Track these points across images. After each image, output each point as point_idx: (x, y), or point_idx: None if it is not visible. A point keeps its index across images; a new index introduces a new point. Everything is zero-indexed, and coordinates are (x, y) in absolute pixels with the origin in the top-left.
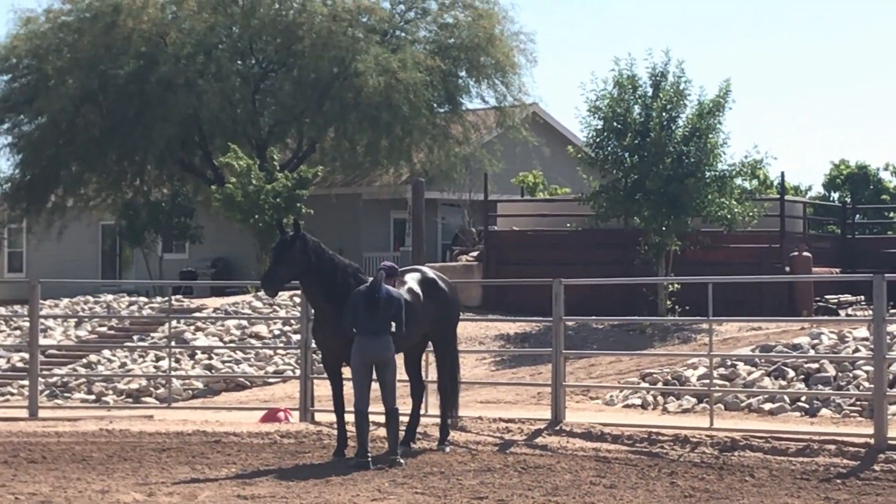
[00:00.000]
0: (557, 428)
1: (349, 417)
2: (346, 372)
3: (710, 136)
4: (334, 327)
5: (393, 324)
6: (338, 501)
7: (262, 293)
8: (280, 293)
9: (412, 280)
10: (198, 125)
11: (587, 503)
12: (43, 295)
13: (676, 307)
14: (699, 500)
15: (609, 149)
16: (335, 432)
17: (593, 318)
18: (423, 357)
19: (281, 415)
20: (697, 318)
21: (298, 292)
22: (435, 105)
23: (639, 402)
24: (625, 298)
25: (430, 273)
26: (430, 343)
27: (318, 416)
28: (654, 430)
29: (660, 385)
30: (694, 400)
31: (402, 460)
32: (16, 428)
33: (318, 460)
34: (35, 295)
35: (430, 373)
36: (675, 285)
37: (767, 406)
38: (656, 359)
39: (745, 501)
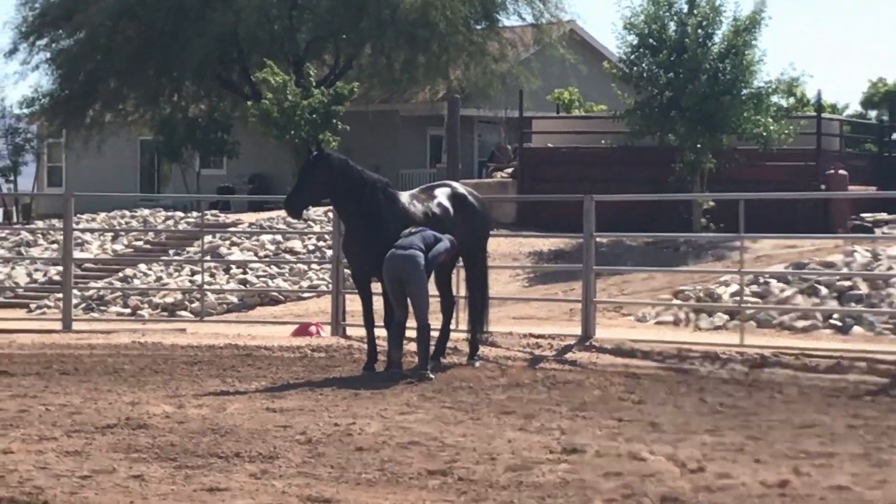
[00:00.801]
0: (587, 344)
1: (379, 332)
2: (377, 287)
3: (746, 53)
4: (364, 242)
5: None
6: (366, 414)
7: None
8: (314, 209)
9: (442, 195)
10: (235, 41)
11: (615, 418)
12: (81, 209)
13: (711, 225)
14: (727, 416)
15: (644, 65)
16: (365, 346)
17: (625, 234)
18: (454, 272)
19: (312, 329)
20: (730, 234)
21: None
22: (472, 22)
23: (671, 319)
24: (659, 216)
25: (461, 188)
26: (460, 258)
27: (350, 331)
28: (685, 346)
29: (692, 302)
30: (726, 317)
31: (431, 375)
32: (49, 340)
33: (348, 374)
34: (69, 208)
35: (462, 288)
36: (710, 203)
37: (800, 324)
38: (689, 276)
39: (774, 417)
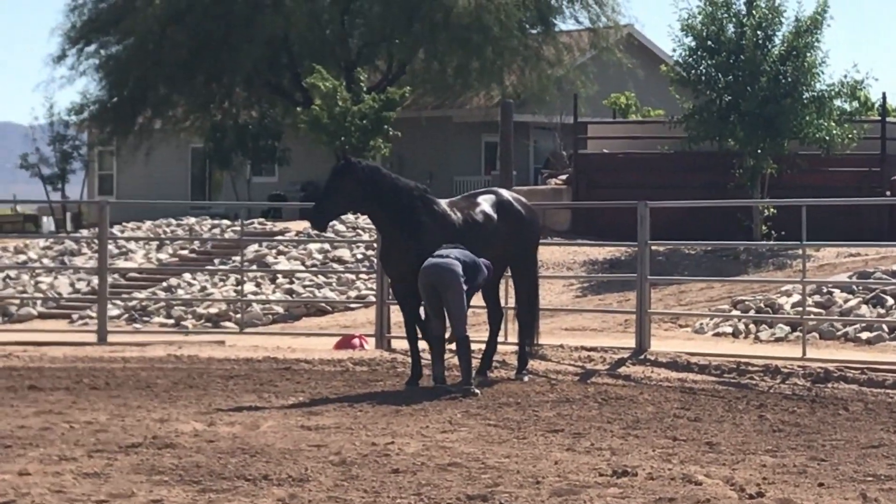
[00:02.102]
0: (642, 357)
1: (424, 345)
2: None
3: (808, 54)
4: (402, 251)
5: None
6: (405, 433)
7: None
8: (363, 217)
9: (485, 202)
10: (286, 46)
11: (669, 437)
12: (131, 217)
13: (772, 232)
14: (788, 435)
15: (702, 68)
16: (409, 360)
17: (681, 242)
18: (502, 282)
19: (356, 341)
20: (791, 242)
21: None
22: (527, 26)
23: (730, 330)
24: (718, 223)
25: (506, 194)
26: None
27: (395, 344)
28: (744, 360)
29: (751, 313)
30: (787, 328)
31: (475, 389)
32: (82, 353)
33: (390, 389)
34: (104, 217)
35: (511, 299)
36: (772, 210)
37: (864, 335)
38: (749, 285)
39: (838, 436)
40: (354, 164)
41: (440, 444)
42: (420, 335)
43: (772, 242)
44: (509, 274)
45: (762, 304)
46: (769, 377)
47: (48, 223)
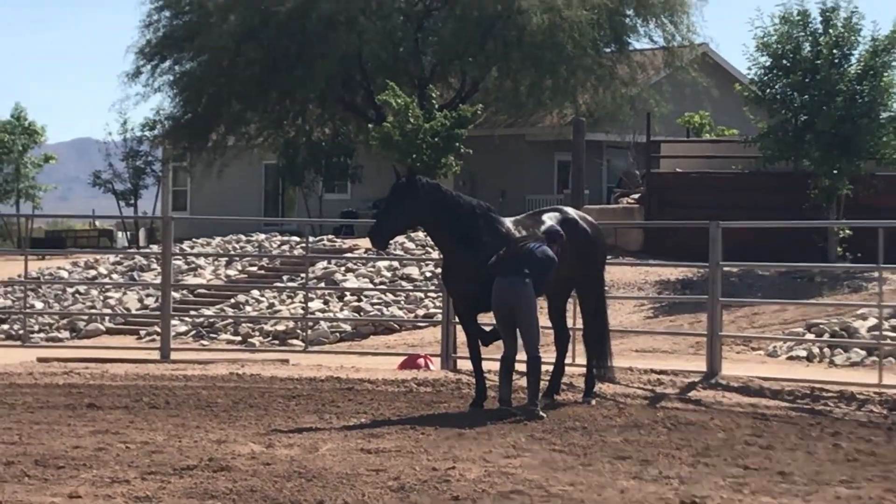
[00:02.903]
0: (713, 381)
1: (490, 365)
2: (487, 317)
3: (885, 74)
4: (465, 271)
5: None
6: (467, 457)
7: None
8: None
9: (551, 220)
10: (359, 64)
11: (740, 465)
12: (204, 233)
13: (847, 254)
14: (864, 465)
15: (777, 87)
16: (474, 381)
17: (753, 264)
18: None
19: (421, 361)
20: (867, 265)
21: None
22: (601, 44)
23: (804, 354)
24: (793, 244)
25: (572, 213)
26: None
27: (461, 364)
28: (818, 385)
29: (826, 337)
30: (863, 353)
31: (542, 412)
32: (144, 371)
33: (454, 411)
34: (168, 233)
35: (579, 320)
36: (847, 231)
37: None
38: (823, 308)
39: None
40: (414, 181)
41: (503, 469)
42: (480, 345)
43: (847, 265)
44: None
45: (837, 328)
46: (844, 403)
47: (122, 238)
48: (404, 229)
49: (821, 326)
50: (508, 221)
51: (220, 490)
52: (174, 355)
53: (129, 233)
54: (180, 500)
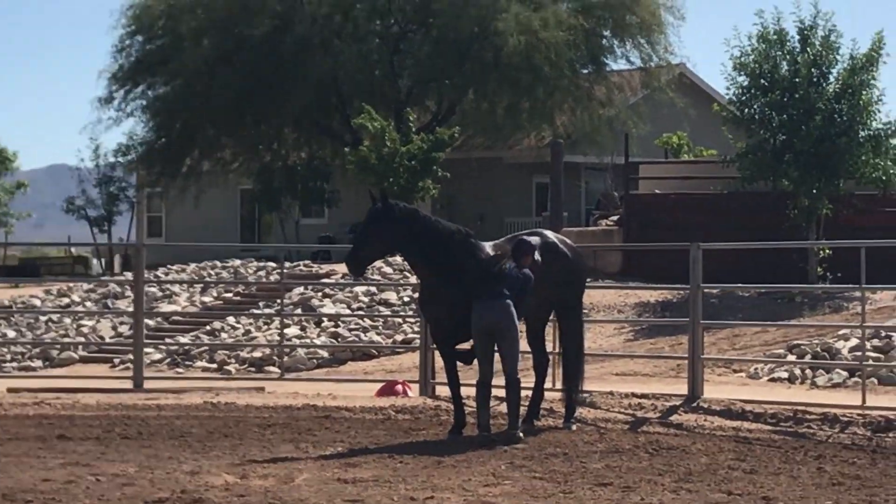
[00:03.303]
0: (694, 405)
1: (468, 391)
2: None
3: (864, 92)
4: (443, 297)
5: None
6: (446, 486)
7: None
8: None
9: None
10: (335, 87)
11: (723, 491)
12: (180, 260)
13: (828, 274)
14: (849, 489)
15: (755, 107)
16: (453, 408)
17: (735, 285)
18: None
19: (399, 388)
20: (849, 286)
21: None
22: (578, 66)
23: (785, 375)
24: (773, 265)
25: (551, 236)
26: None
27: (440, 390)
28: (801, 407)
29: (808, 358)
30: (845, 374)
31: (521, 436)
32: (116, 400)
33: (432, 438)
34: (140, 260)
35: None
36: (827, 251)
37: None
38: (805, 329)
39: None
40: (390, 206)
41: (482, 498)
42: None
43: (828, 285)
44: (554, 318)
45: (819, 349)
46: (827, 426)
47: (98, 266)
48: (381, 255)
49: (802, 347)
50: (487, 246)
51: None
52: (148, 384)
53: (104, 260)
54: None
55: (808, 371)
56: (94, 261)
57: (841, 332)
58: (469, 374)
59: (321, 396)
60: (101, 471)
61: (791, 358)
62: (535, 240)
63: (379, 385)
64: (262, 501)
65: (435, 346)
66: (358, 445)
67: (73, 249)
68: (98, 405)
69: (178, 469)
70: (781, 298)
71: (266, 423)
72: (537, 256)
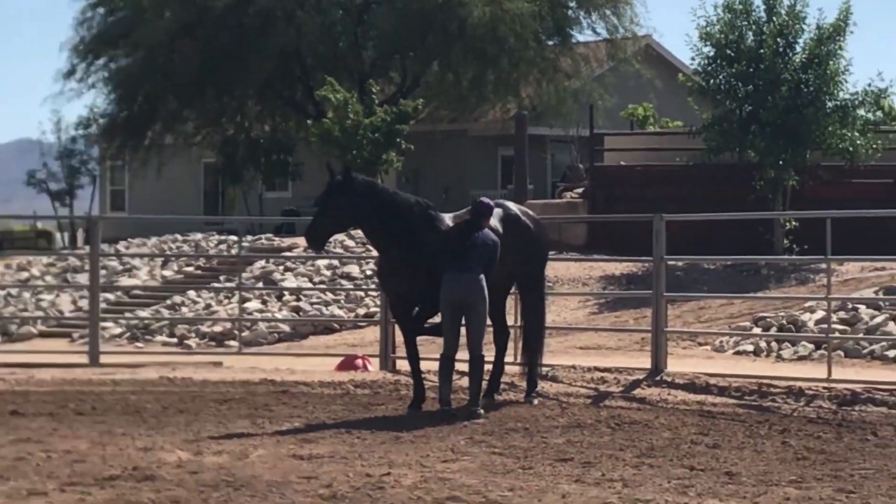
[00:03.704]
0: (658, 378)
1: (430, 365)
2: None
3: (830, 63)
4: (402, 270)
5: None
6: (404, 462)
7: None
8: None
9: (493, 216)
10: (298, 59)
11: (686, 466)
12: (144, 233)
13: (794, 246)
14: (814, 463)
15: (721, 78)
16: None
17: (700, 257)
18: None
19: (359, 362)
20: (814, 257)
21: None
22: (543, 37)
23: (751, 348)
24: (739, 237)
25: (513, 208)
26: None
27: (400, 364)
28: (766, 381)
29: (773, 330)
30: (811, 346)
31: (482, 411)
32: (71, 376)
33: (392, 414)
34: (96, 234)
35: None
36: (793, 223)
37: (892, 353)
38: (771, 302)
39: (867, 465)
40: (351, 178)
41: (440, 475)
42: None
43: (794, 257)
44: (515, 291)
45: (784, 321)
46: (792, 399)
47: (60, 240)
48: (341, 229)
49: (768, 320)
50: (447, 218)
51: (142, 501)
52: (105, 359)
53: (66, 234)
54: None
55: (773, 344)
56: (58, 235)
57: (807, 305)
58: (430, 349)
59: (279, 371)
60: (52, 447)
61: (756, 331)
62: (497, 212)
63: (338, 360)
64: (214, 479)
65: (394, 320)
66: (315, 421)
67: (39, 224)
68: (53, 380)
69: (131, 445)
70: (748, 271)
71: (222, 399)
72: (498, 227)
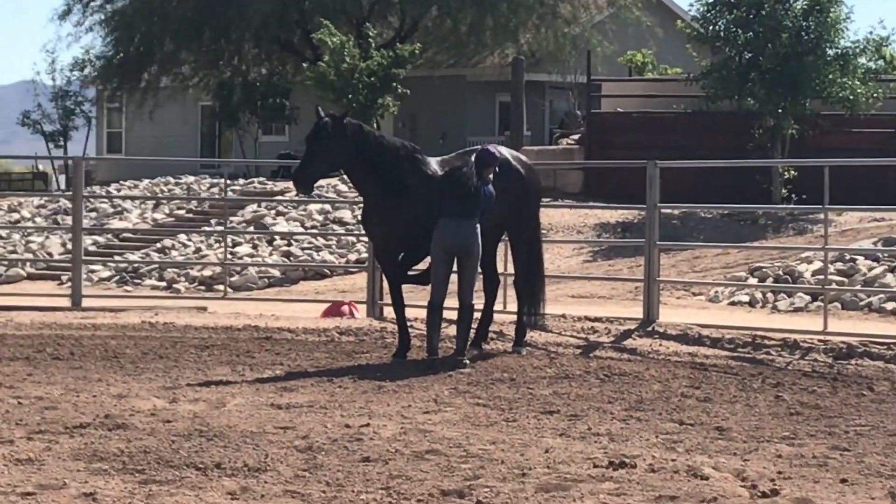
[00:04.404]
0: (650, 329)
1: (417, 313)
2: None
3: (831, 9)
4: (386, 215)
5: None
6: (384, 413)
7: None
8: None
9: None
10: (296, 2)
11: (675, 420)
12: (138, 175)
13: (793, 196)
14: (807, 419)
15: (720, 24)
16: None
17: (694, 206)
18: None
19: (345, 308)
20: (812, 206)
21: None
22: None
23: (746, 299)
24: (737, 186)
25: (505, 152)
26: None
27: (387, 311)
28: (760, 332)
29: (769, 281)
30: (807, 298)
31: (468, 361)
32: (52, 319)
33: (376, 362)
34: (78, 175)
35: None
36: (792, 171)
37: (890, 306)
38: (768, 252)
39: (862, 421)
40: (338, 120)
41: (420, 426)
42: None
43: (792, 206)
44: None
45: (781, 272)
46: (787, 352)
47: (56, 182)
48: (328, 171)
49: (764, 270)
50: (434, 162)
51: (110, 451)
52: (88, 302)
53: (64, 176)
54: (65, 463)
55: (769, 295)
56: (54, 177)
57: (804, 255)
58: (419, 297)
59: (264, 317)
60: (24, 393)
61: (752, 281)
62: None
63: (325, 306)
64: (188, 428)
65: (380, 266)
66: (297, 369)
67: (40, 165)
68: (32, 324)
69: (105, 392)
70: (744, 220)
71: (204, 345)
72: None
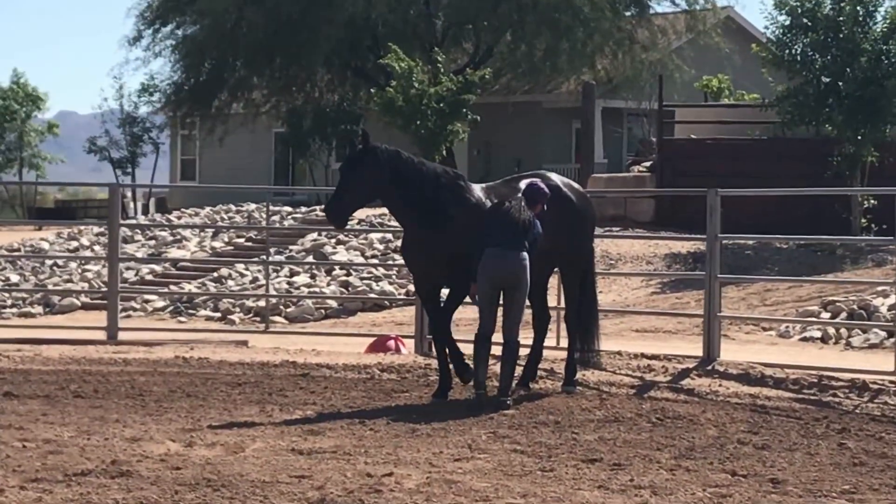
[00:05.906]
0: (709, 367)
1: (465, 348)
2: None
3: None
4: (427, 246)
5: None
6: (412, 460)
7: None
8: None
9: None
10: (368, 27)
11: (727, 471)
12: (210, 202)
13: (873, 226)
14: (872, 470)
15: (797, 48)
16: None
17: (757, 236)
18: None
19: (391, 343)
20: (886, 238)
21: None
22: (620, 7)
23: (818, 334)
24: (815, 215)
25: (555, 178)
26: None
27: None
28: (827, 372)
29: (843, 316)
30: (883, 334)
31: (511, 402)
32: (81, 353)
33: (415, 402)
34: (115, 203)
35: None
36: (871, 200)
37: None
38: (842, 285)
39: None
40: (373, 148)
41: (447, 476)
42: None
43: (870, 238)
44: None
45: (856, 306)
46: (855, 394)
47: (132, 209)
48: (364, 203)
49: (838, 304)
50: (478, 190)
51: (106, 503)
52: (125, 335)
53: (140, 203)
54: None
55: (842, 331)
56: (131, 204)
57: (879, 289)
58: (464, 331)
59: (304, 352)
60: (33, 435)
61: (825, 316)
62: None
63: (370, 340)
64: (196, 476)
65: (420, 300)
66: (329, 409)
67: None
68: (60, 358)
69: (118, 434)
70: (821, 251)
71: (236, 382)
72: None
